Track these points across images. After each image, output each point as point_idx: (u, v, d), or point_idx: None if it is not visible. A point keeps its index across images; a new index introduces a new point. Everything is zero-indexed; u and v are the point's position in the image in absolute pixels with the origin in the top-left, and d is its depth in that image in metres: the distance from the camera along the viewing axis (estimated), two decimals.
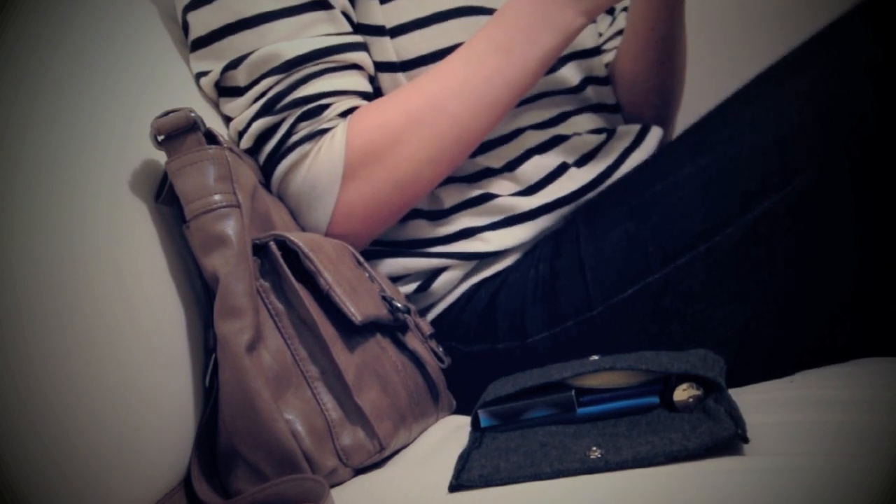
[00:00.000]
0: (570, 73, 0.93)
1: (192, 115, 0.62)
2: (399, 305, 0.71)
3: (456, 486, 0.53)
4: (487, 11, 0.85)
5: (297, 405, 0.60)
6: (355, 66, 0.81)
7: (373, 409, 0.63)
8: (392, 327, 0.72)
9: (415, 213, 0.87)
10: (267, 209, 0.70)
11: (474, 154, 0.86)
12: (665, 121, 1.03)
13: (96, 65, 0.65)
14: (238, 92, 0.80)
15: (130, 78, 0.69)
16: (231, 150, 0.65)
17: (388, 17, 0.83)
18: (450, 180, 0.86)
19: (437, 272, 0.86)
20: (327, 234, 0.80)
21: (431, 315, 0.88)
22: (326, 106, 0.79)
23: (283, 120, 0.78)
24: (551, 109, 0.91)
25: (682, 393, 0.57)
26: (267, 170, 0.80)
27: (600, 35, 1.04)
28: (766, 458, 0.48)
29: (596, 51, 0.98)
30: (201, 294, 0.66)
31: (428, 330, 0.80)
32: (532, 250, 0.86)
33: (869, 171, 0.68)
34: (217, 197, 0.62)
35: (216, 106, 0.83)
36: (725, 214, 0.72)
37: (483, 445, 0.59)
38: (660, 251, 0.75)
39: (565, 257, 0.81)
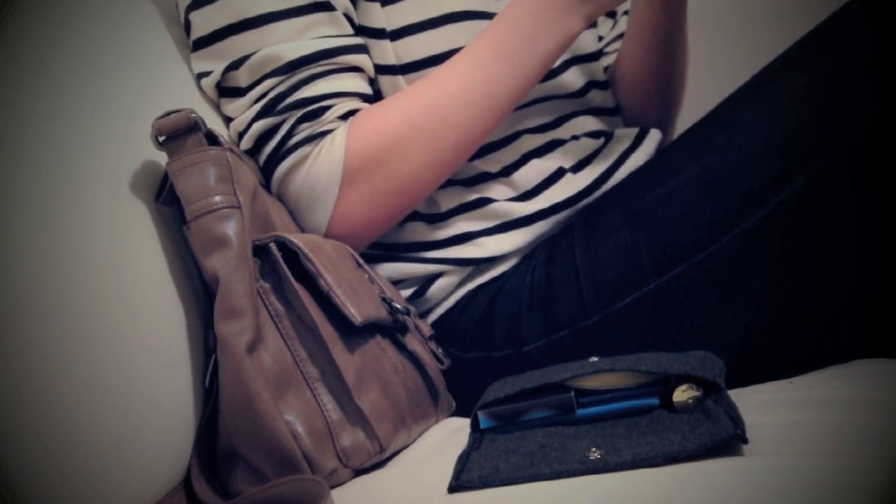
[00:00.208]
0: (573, 78, 0.93)
1: (194, 115, 0.62)
2: (399, 307, 0.71)
3: (455, 486, 0.53)
4: (488, 16, 0.85)
5: (297, 406, 0.60)
6: (356, 69, 0.81)
7: (373, 410, 0.63)
8: (392, 328, 0.72)
9: (413, 216, 0.87)
10: (267, 210, 0.70)
11: (472, 158, 0.86)
12: (665, 124, 1.03)
13: (96, 65, 0.65)
14: (239, 93, 0.80)
15: (130, 78, 0.69)
16: (232, 150, 0.65)
17: (389, 19, 0.83)
18: (447, 183, 0.86)
19: (433, 278, 0.86)
20: (326, 236, 0.80)
21: (428, 320, 0.88)
22: (327, 108, 0.79)
23: (283, 121, 0.78)
24: (550, 113, 0.91)
25: (682, 394, 0.57)
26: (267, 171, 0.80)
27: (601, 38, 1.04)
28: (765, 458, 0.48)
29: (597, 54, 0.98)
30: (201, 295, 0.66)
31: (428, 331, 0.80)
32: (529, 256, 0.86)
33: (868, 171, 0.68)
34: (218, 198, 0.62)
35: (217, 107, 0.83)
36: (722, 222, 0.72)
37: (482, 446, 0.59)
38: (655, 260, 0.75)
39: (561, 264, 0.81)
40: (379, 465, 0.65)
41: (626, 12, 1.05)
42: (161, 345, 0.60)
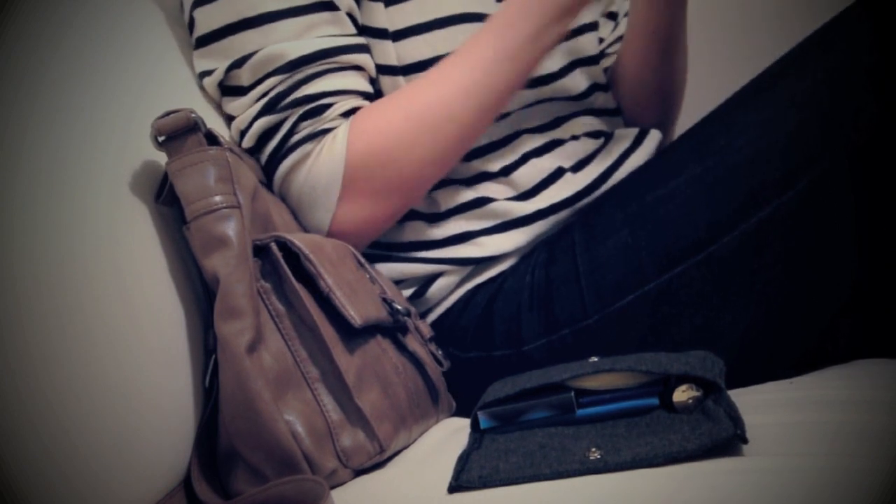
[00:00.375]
0: (576, 80, 0.93)
1: (193, 115, 0.62)
2: (399, 308, 0.71)
3: (455, 487, 0.53)
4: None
5: (297, 406, 0.60)
6: (358, 68, 0.82)
7: (373, 410, 0.63)
8: (393, 329, 0.72)
9: (413, 215, 0.87)
10: (268, 209, 0.70)
11: (471, 157, 0.86)
12: (665, 124, 1.03)
13: (96, 65, 0.65)
14: (241, 91, 0.80)
15: (130, 78, 0.69)
16: (232, 150, 0.65)
17: (391, 20, 0.84)
18: (447, 182, 0.86)
19: (433, 278, 0.86)
20: (328, 234, 0.80)
21: (428, 320, 0.88)
22: (328, 105, 0.79)
23: (285, 119, 0.78)
24: (550, 114, 0.91)
25: (682, 394, 0.57)
26: (268, 169, 0.80)
27: (602, 41, 1.04)
28: (765, 458, 0.48)
29: (599, 57, 0.98)
30: (201, 295, 0.66)
31: (428, 333, 0.80)
32: (528, 256, 0.86)
33: (870, 174, 0.68)
34: (218, 198, 0.62)
35: (217, 106, 0.83)
36: (723, 223, 0.72)
37: (482, 447, 0.59)
38: (656, 260, 0.75)
39: (561, 264, 0.81)
40: (379, 465, 0.65)
41: (626, 14, 1.05)
42: (161, 345, 0.60)
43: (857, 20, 0.70)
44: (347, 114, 0.80)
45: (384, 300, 0.71)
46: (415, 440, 0.71)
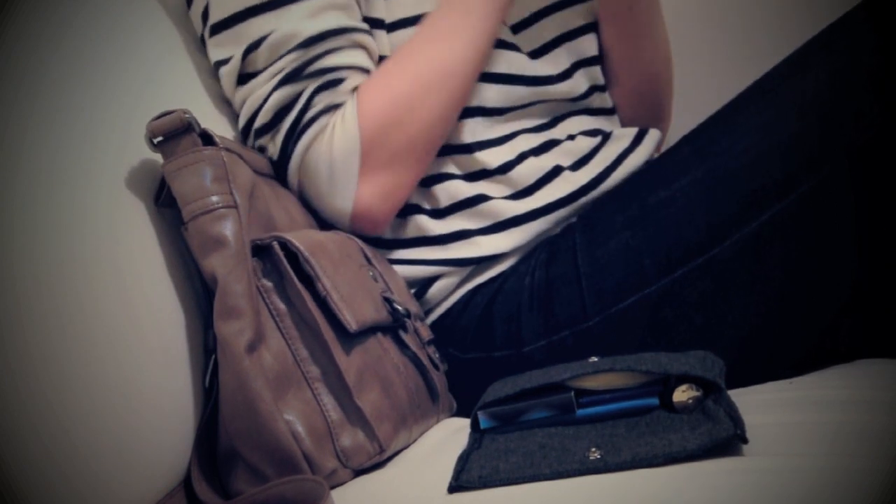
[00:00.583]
0: (579, 82, 0.93)
1: (187, 116, 0.62)
2: (399, 308, 0.71)
3: (455, 487, 0.53)
4: None
5: (297, 406, 0.60)
6: (366, 49, 0.83)
7: (373, 410, 0.63)
8: (394, 327, 0.72)
9: (414, 209, 0.87)
10: (267, 207, 0.70)
11: (472, 150, 0.86)
12: (658, 117, 1.03)
13: (96, 65, 0.65)
14: (257, 75, 0.80)
15: (130, 78, 0.69)
16: (228, 149, 0.65)
17: (390, 11, 0.85)
18: (447, 177, 0.86)
19: (433, 279, 0.86)
20: (353, 218, 0.81)
21: (428, 321, 0.88)
22: (342, 80, 0.80)
23: (301, 91, 0.79)
24: (547, 114, 0.91)
25: (682, 394, 0.57)
26: (285, 149, 0.80)
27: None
28: (765, 458, 0.48)
29: (598, 58, 0.98)
30: (201, 295, 0.66)
31: (427, 335, 0.80)
32: (528, 256, 0.86)
33: (871, 176, 0.68)
34: (214, 198, 0.62)
35: (217, 105, 0.83)
36: (725, 225, 0.72)
37: (482, 447, 0.59)
38: (657, 263, 0.75)
39: (561, 265, 0.81)
40: (379, 465, 0.65)
41: None
42: (161, 345, 0.60)
43: (859, 23, 0.70)
44: (355, 90, 0.81)
45: (386, 299, 0.71)
46: (415, 440, 0.71)
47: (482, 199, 0.86)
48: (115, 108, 0.64)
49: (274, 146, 0.81)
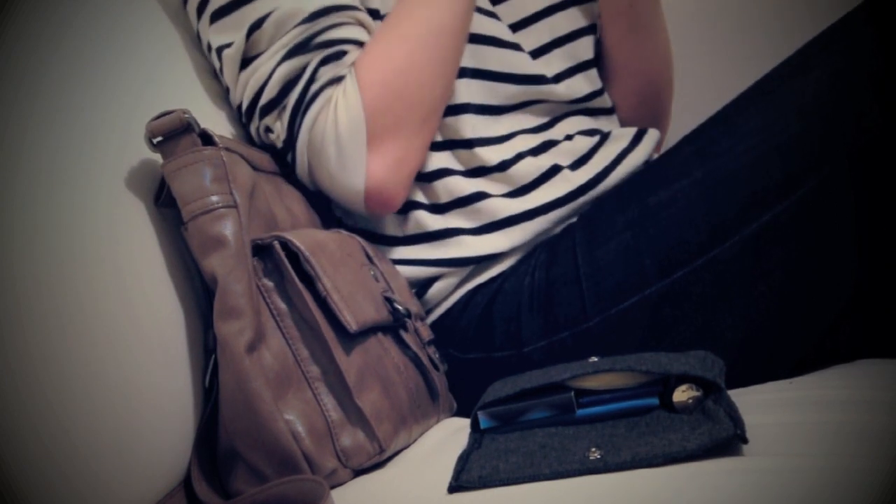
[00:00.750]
0: (579, 84, 0.93)
1: (186, 116, 0.62)
2: (400, 308, 0.71)
3: (455, 487, 0.53)
4: (476, 9, 0.86)
5: (297, 406, 0.60)
6: (366, 27, 0.83)
7: (373, 410, 0.63)
8: (395, 327, 0.72)
9: (415, 205, 0.87)
10: (268, 205, 0.70)
11: (473, 146, 0.86)
12: (659, 115, 1.03)
13: (96, 65, 0.65)
14: (260, 56, 0.80)
15: (130, 78, 0.69)
16: (228, 149, 0.65)
17: (384, 2, 0.86)
18: (447, 173, 0.86)
19: (433, 280, 0.86)
20: (366, 197, 0.80)
21: (428, 321, 0.88)
22: (345, 52, 0.80)
23: (307, 64, 0.79)
24: (545, 114, 0.91)
25: (682, 394, 0.57)
26: (293, 126, 0.80)
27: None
28: (765, 458, 0.48)
29: (595, 60, 0.98)
30: (201, 295, 0.66)
31: (427, 335, 0.80)
32: (528, 257, 0.86)
33: (871, 177, 0.68)
34: (214, 198, 0.62)
35: (217, 105, 0.83)
36: (725, 227, 0.72)
37: (482, 447, 0.59)
38: (657, 263, 0.75)
39: (561, 266, 0.81)
40: (379, 465, 0.65)
41: None
42: (161, 345, 0.60)
43: (859, 24, 0.70)
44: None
45: (386, 298, 0.71)
46: (415, 440, 0.71)
47: (481, 196, 0.86)
48: (115, 108, 0.64)
49: (281, 124, 0.80)
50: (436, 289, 0.86)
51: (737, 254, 0.72)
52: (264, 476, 0.59)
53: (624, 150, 0.90)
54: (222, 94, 0.86)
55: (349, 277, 0.67)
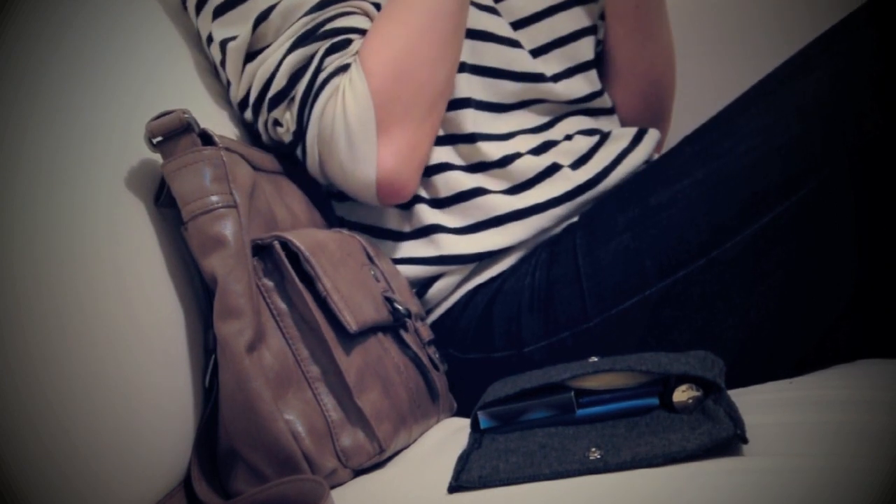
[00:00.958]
0: (579, 85, 0.93)
1: (186, 116, 0.62)
2: (400, 308, 0.71)
3: (455, 487, 0.53)
4: (473, 4, 0.86)
5: (297, 406, 0.60)
6: (369, 17, 0.83)
7: (373, 410, 0.63)
8: (395, 326, 0.72)
9: (416, 200, 0.87)
10: (269, 205, 0.70)
11: (474, 140, 0.86)
12: (660, 116, 1.03)
13: (96, 65, 0.65)
14: (267, 48, 0.80)
15: (130, 78, 0.69)
16: (228, 149, 0.65)
17: None
18: (447, 168, 0.86)
19: (433, 279, 0.86)
20: (378, 187, 0.79)
21: (428, 321, 0.88)
22: (350, 41, 0.80)
23: (314, 53, 0.79)
24: (545, 114, 0.91)
25: (682, 394, 0.57)
26: (302, 116, 0.80)
27: (599, 43, 1.04)
28: (765, 458, 0.48)
29: (596, 61, 0.98)
30: (201, 295, 0.66)
31: (427, 335, 0.80)
32: (528, 257, 0.86)
33: (872, 178, 0.68)
34: (214, 198, 0.62)
35: (217, 103, 0.83)
36: (725, 228, 0.72)
37: (482, 447, 0.59)
38: (658, 264, 0.75)
39: (562, 266, 0.81)
40: (379, 465, 0.65)
41: None
42: (161, 345, 0.60)
43: (860, 25, 0.70)
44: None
45: (387, 298, 0.71)
46: (415, 440, 0.71)
47: (480, 192, 0.86)
48: (115, 108, 0.64)
49: (291, 115, 0.80)
50: (436, 288, 0.86)
51: (737, 254, 0.72)
52: (264, 476, 0.59)
53: (624, 150, 0.90)
54: (223, 94, 0.86)
55: (349, 277, 0.67)
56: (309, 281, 0.64)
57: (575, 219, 0.87)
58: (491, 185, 0.86)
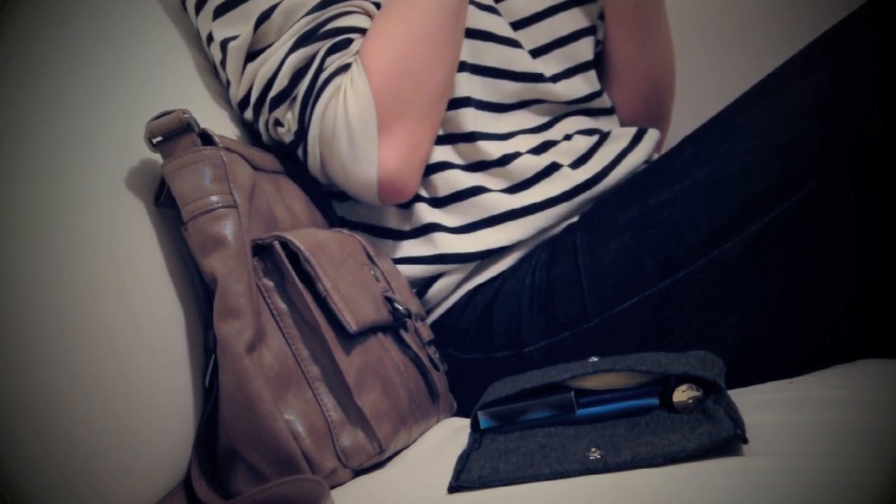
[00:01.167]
0: (579, 85, 0.93)
1: (186, 116, 0.62)
2: (400, 308, 0.71)
3: (455, 487, 0.53)
4: (472, 1, 0.87)
5: (297, 406, 0.60)
6: (370, 17, 0.83)
7: (373, 410, 0.63)
8: (395, 326, 0.72)
9: (415, 198, 0.87)
10: (269, 205, 0.70)
11: (473, 140, 0.86)
12: (660, 116, 1.03)
13: (96, 65, 0.65)
14: (269, 48, 0.80)
15: (130, 78, 0.69)
16: (228, 149, 0.65)
17: None
18: (447, 166, 0.86)
19: (433, 279, 0.86)
20: (380, 187, 0.79)
21: (428, 320, 0.88)
22: (351, 41, 0.80)
23: (316, 53, 0.79)
24: (545, 114, 0.91)
25: (682, 394, 0.57)
26: (303, 116, 0.80)
27: (599, 43, 1.04)
28: (765, 458, 0.48)
29: (595, 61, 0.98)
30: (201, 295, 0.66)
31: (427, 335, 0.80)
32: (529, 257, 0.86)
33: (872, 179, 0.68)
34: (214, 198, 0.62)
35: (217, 103, 0.83)
36: (725, 228, 0.72)
37: (482, 447, 0.59)
38: (658, 264, 0.75)
39: (562, 266, 0.81)
40: (379, 465, 0.65)
41: None
42: (161, 345, 0.60)
43: (860, 26, 0.70)
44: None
45: (387, 298, 0.71)
46: (415, 440, 0.71)
47: (480, 190, 0.86)
48: (115, 108, 0.64)
49: (292, 114, 0.80)
50: (436, 288, 0.86)
51: (737, 254, 0.72)
52: (264, 476, 0.59)
53: (624, 150, 0.90)
54: (223, 94, 0.86)
55: (349, 277, 0.67)
56: (309, 281, 0.64)
57: (575, 219, 0.87)
58: (490, 184, 0.87)
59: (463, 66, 0.86)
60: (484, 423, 0.62)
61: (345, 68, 0.79)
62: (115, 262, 0.57)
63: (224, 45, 0.82)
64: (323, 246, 0.66)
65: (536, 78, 0.90)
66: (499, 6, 0.91)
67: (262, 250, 0.64)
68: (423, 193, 0.87)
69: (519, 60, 0.89)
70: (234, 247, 0.61)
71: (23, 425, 0.45)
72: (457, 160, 0.87)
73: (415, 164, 0.81)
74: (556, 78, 0.92)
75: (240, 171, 0.65)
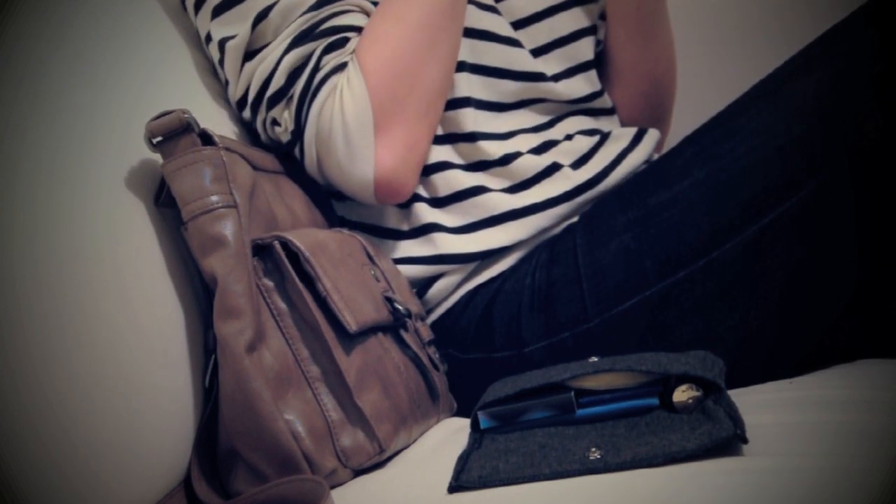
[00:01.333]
0: (579, 85, 0.93)
1: (186, 116, 0.62)
2: (400, 308, 0.71)
3: (455, 487, 0.53)
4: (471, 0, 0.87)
5: (297, 406, 0.60)
6: (367, 15, 0.83)
7: (373, 410, 0.63)
8: (395, 326, 0.72)
9: (415, 198, 0.87)
10: (269, 205, 0.70)
11: (474, 139, 0.86)
12: (660, 117, 1.03)
13: (96, 65, 0.65)
14: (266, 47, 0.80)
15: (130, 78, 0.69)
16: (228, 149, 0.65)
17: None
18: (447, 166, 0.86)
19: (433, 279, 0.86)
20: (376, 187, 0.79)
21: (428, 321, 0.88)
22: (348, 39, 0.80)
23: (312, 52, 0.79)
24: (546, 114, 0.91)
25: (682, 394, 0.57)
26: (300, 115, 0.79)
27: (599, 43, 1.04)
28: (765, 458, 0.48)
29: (596, 61, 0.98)
30: (201, 295, 0.66)
31: (427, 336, 0.80)
32: (529, 257, 0.86)
33: (872, 179, 0.68)
34: (214, 198, 0.62)
35: (217, 106, 0.83)
36: (726, 228, 0.72)
37: (482, 447, 0.59)
38: (658, 265, 0.75)
39: (562, 266, 0.81)
40: (379, 465, 0.65)
41: None
42: (161, 345, 0.60)
43: (860, 26, 0.70)
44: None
45: (387, 298, 0.71)
46: (415, 440, 0.71)
47: (480, 190, 0.86)
48: (115, 108, 0.64)
49: (289, 113, 0.80)
50: (436, 288, 0.86)
51: (737, 255, 0.72)
52: (264, 476, 0.59)
53: (624, 150, 0.90)
54: (223, 94, 0.86)
55: (349, 277, 0.67)
56: (309, 281, 0.64)
57: (575, 219, 0.87)
58: (491, 184, 0.87)
59: (463, 66, 0.86)
60: (484, 423, 0.62)
61: (341, 67, 0.79)
62: (115, 262, 0.57)
63: (222, 44, 0.82)
64: (323, 246, 0.66)
65: (537, 77, 0.90)
66: (499, 6, 0.91)
67: (262, 250, 0.64)
68: (424, 193, 0.87)
69: (519, 60, 0.89)
70: (234, 247, 0.61)
71: (23, 425, 0.45)
72: (457, 160, 0.87)
73: (412, 164, 0.81)
74: (556, 77, 0.92)
75: (240, 171, 0.65)
